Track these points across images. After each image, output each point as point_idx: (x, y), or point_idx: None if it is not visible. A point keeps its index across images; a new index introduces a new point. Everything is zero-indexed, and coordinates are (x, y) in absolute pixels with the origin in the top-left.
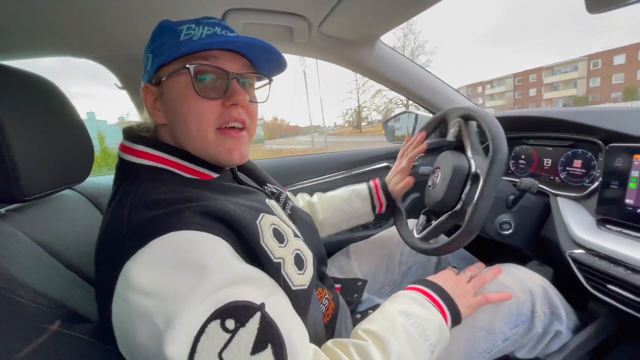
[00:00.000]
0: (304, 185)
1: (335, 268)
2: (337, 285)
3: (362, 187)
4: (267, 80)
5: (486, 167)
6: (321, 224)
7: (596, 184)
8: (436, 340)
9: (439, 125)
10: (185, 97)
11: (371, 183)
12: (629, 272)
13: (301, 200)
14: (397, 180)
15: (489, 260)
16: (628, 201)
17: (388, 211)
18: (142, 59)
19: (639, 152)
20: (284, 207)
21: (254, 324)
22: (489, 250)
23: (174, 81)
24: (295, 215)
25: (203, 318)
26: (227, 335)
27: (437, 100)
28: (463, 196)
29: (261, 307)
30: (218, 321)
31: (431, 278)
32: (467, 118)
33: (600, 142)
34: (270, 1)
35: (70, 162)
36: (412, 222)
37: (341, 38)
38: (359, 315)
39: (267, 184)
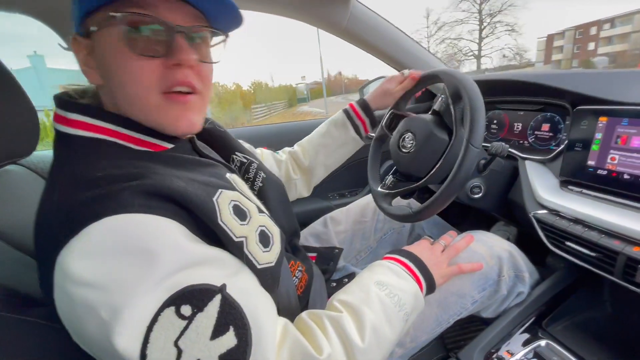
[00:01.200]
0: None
1: (312, 237)
2: (313, 255)
3: (338, 114)
4: (222, 36)
5: (464, 142)
6: (309, 169)
7: (562, 147)
8: (411, 309)
9: (429, 83)
10: (118, 54)
11: (347, 106)
12: (586, 229)
13: (283, 155)
14: (378, 92)
15: (459, 224)
16: (590, 162)
17: (376, 132)
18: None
19: (604, 114)
20: (254, 180)
21: (213, 307)
22: (459, 213)
23: (105, 33)
24: (268, 187)
25: (155, 307)
26: (184, 322)
27: (415, 65)
28: (437, 165)
29: (222, 289)
30: (172, 308)
31: (408, 248)
32: (454, 88)
33: (568, 105)
34: None
35: (10, 134)
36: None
37: None
38: (334, 284)
39: (236, 153)
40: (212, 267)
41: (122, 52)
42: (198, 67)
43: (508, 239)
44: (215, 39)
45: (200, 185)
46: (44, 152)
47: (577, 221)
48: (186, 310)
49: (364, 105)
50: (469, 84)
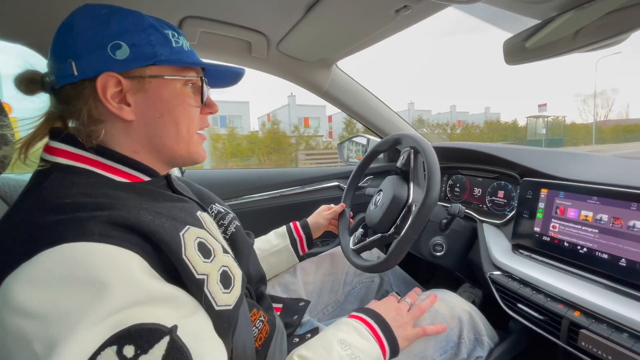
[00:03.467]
0: (253, 199)
1: (280, 286)
2: (278, 305)
3: (281, 227)
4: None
5: (420, 200)
6: None
7: (513, 212)
8: None
9: (391, 147)
10: (182, 101)
11: (291, 224)
12: (534, 292)
13: None
14: (317, 212)
15: (426, 282)
16: (536, 229)
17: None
18: (89, 40)
19: (545, 186)
20: (227, 226)
21: (159, 350)
22: (427, 271)
23: (169, 83)
24: (238, 235)
25: (95, 344)
26: None
27: (385, 126)
28: (397, 221)
29: (172, 330)
30: (114, 347)
31: (374, 307)
32: (415, 151)
33: (517, 175)
34: (230, 14)
35: None
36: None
37: (298, 59)
38: (296, 339)
39: (215, 204)
40: (166, 306)
41: (183, 99)
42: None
43: (473, 302)
44: None
45: (168, 219)
46: (9, 175)
47: (526, 284)
48: (129, 351)
49: (304, 224)
50: (426, 146)
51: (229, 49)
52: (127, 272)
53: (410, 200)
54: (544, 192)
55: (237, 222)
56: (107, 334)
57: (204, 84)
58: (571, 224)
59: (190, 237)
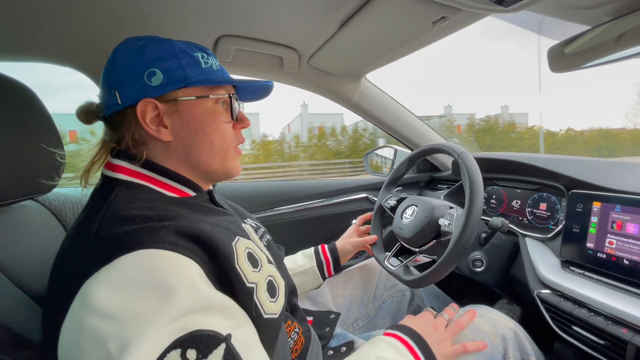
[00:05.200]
0: (280, 212)
1: (309, 300)
2: (309, 318)
3: (309, 248)
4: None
5: (464, 212)
6: None
7: (560, 227)
8: None
9: (422, 156)
10: (213, 119)
11: (319, 245)
12: (592, 314)
13: None
14: (346, 236)
15: (460, 297)
16: (589, 245)
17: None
18: (128, 70)
19: (598, 199)
20: (260, 239)
21: (217, 355)
22: (461, 286)
23: (201, 103)
24: (271, 247)
25: (163, 346)
26: None
27: (415, 137)
28: (432, 242)
29: (227, 339)
30: (179, 350)
31: (409, 323)
32: (456, 164)
33: (563, 187)
34: (264, 31)
35: (35, 170)
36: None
37: (329, 72)
38: (331, 352)
39: (246, 219)
40: (220, 315)
41: (215, 117)
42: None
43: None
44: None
45: (222, 230)
46: (59, 190)
47: (581, 304)
48: (191, 354)
49: (332, 247)
50: (468, 159)
51: (261, 65)
52: (191, 280)
53: (447, 224)
54: (596, 206)
55: (268, 236)
56: (173, 337)
57: (233, 100)
58: (631, 240)
59: (241, 247)
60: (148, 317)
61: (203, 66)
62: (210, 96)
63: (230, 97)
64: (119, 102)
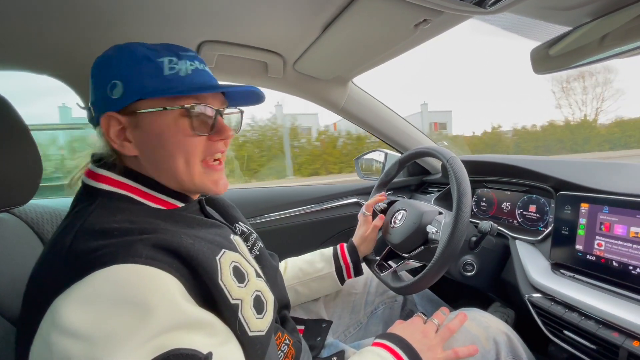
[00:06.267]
0: (271, 218)
1: (301, 308)
2: (301, 327)
3: (327, 249)
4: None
5: (452, 217)
6: None
7: (549, 229)
8: None
9: (412, 159)
10: (174, 133)
11: (338, 245)
12: (583, 318)
13: None
14: (362, 231)
15: (453, 301)
16: (578, 247)
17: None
18: (95, 83)
19: (585, 200)
20: (251, 248)
21: None
22: (454, 290)
23: (160, 116)
24: (262, 257)
25: None
26: None
27: (404, 141)
28: (421, 248)
29: (207, 358)
30: None
31: (398, 331)
32: (444, 167)
33: (551, 189)
34: (246, 36)
35: (11, 182)
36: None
37: (315, 77)
38: None
39: (239, 222)
40: (201, 332)
41: (177, 131)
42: (228, 139)
43: (506, 322)
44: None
45: (206, 244)
46: (36, 202)
47: (572, 308)
48: None
49: (352, 248)
50: (456, 165)
51: (246, 70)
52: (169, 296)
53: (434, 232)
54: (584, 207)
55: (260, 243)
56: (149, 357)
57: (196, 111)
58: (620, 242)
59: (226, 262)
60: (122, 337)
61: (165, 73)
62: (168, 108)
63: (190, 108)
64: (93, 115)
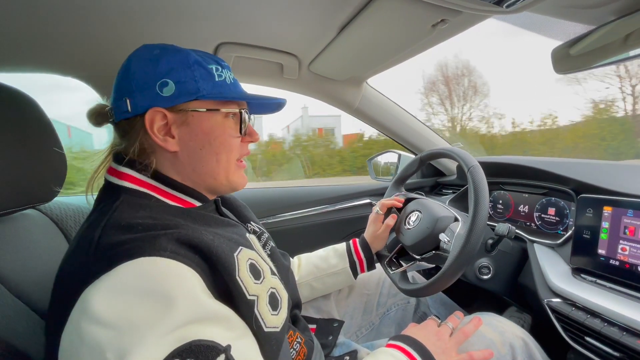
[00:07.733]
0: (284, 218)
1: (313, 307)
2: (312, 326)
3: (340, 244)
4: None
5: (469, 219)
6: (297, 284)
7: (569, 232)
8: None
9: (439, 157)
10: (221, 132)
11: (351, 241)
12: (606, 324)
13: None
14: (374, 229)
15: (467, 305)
16: (600, 251)
17: (373, 269)
18: (141, 79)
19: (608, 203)
20: (264, 247)
21: None
22: (468, 293)
23: (210, 116)
24: (274, 256)
25: (161, 356)
26: None
27: (419, 142)
28: (435, 250)
29: (227, 350)
30: None
31: (413, 333)
32: (461, 170)
33: (572, 191)
34: (263, 38)
35: (37, 179)
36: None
37: (329, 78)
38: None
39: (251, 222)
40: (220, 326)
41: (223, 131)
42: (256, 142)
43: (522, 327)
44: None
45: (224, 240)
46: (60, 199)
47: (594, 314)
48: None
49: (364, 244)
50: (478, 175)
51: (261, 71)
52: (191, 290)
53: (447, 241)
54: (607, 210)
55: (272, 243)
56: (172, 347)
57: (244, 115)
58: None
59: (243, 258)
60: (147, 326)
61: (216, 79)
62: (221, 110)
63: (240, 112)
64: (129, 109)
